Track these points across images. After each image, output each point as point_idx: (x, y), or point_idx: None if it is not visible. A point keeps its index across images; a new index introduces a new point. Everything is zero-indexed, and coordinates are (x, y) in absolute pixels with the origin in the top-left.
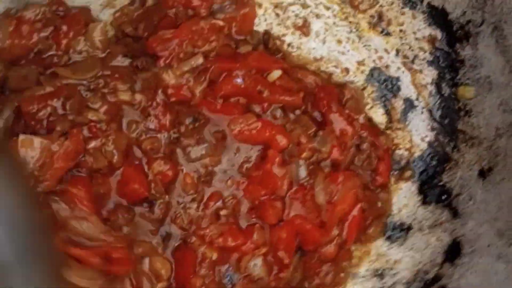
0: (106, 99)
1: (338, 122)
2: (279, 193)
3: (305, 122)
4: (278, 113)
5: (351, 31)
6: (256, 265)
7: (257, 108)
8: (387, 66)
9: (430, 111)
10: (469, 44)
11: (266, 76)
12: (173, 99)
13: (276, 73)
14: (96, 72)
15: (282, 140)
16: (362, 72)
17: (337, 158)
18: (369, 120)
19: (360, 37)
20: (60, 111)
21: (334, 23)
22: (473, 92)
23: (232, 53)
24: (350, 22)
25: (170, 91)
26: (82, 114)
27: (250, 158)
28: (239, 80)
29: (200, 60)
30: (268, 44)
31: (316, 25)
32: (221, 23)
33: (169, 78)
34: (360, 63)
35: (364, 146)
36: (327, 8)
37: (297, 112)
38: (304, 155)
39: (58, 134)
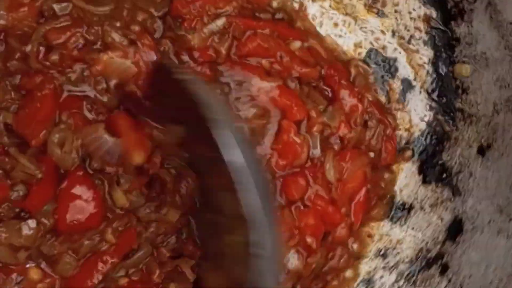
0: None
1: (348, 99)
2: (299, 162)
3: (316, 97)
4: (293, 84)
5: (347, 14)
6: (294, 258)
7: None
8: (384, 47)
9: (428, 91)
10: (464, 22)
11: (287, 44)
12: (200, 60)
13: (297, 43)
14: (112, 7)
15: (298, 112)
16: (360, 54)
17: (346, 134)
18: (377, 98)
19: (356, 19)
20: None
21: (330, 6)
22: (469, 70)
23: (252, 15)
24: (345, 4)
25: (196, 53)
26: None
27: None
28: None
29: (223, 21)
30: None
31: (312, 9)
32: None
33: (195, 40)
34: (357, 45)
35: (372, 123)
36: None
37: (311, 84)
38: (314, 129)
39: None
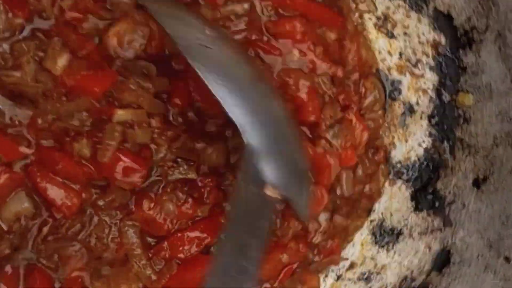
0: None
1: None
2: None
3: (335, 109)
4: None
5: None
6: None
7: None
8: (389, 69)
9: (429, 117)
10: (472, 51)
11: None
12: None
13: (332, 34)
14: None
15: (312, 115)
16: None
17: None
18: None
19: (365, 38)
20: None
21: None
22: (472, 100)
23: None
24: (356, 22)
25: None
26: None
27: None
28: None
29: (246, 7)
30: None
31: None
32: None
33: (208, 15)
34: None
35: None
36: None
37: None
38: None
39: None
